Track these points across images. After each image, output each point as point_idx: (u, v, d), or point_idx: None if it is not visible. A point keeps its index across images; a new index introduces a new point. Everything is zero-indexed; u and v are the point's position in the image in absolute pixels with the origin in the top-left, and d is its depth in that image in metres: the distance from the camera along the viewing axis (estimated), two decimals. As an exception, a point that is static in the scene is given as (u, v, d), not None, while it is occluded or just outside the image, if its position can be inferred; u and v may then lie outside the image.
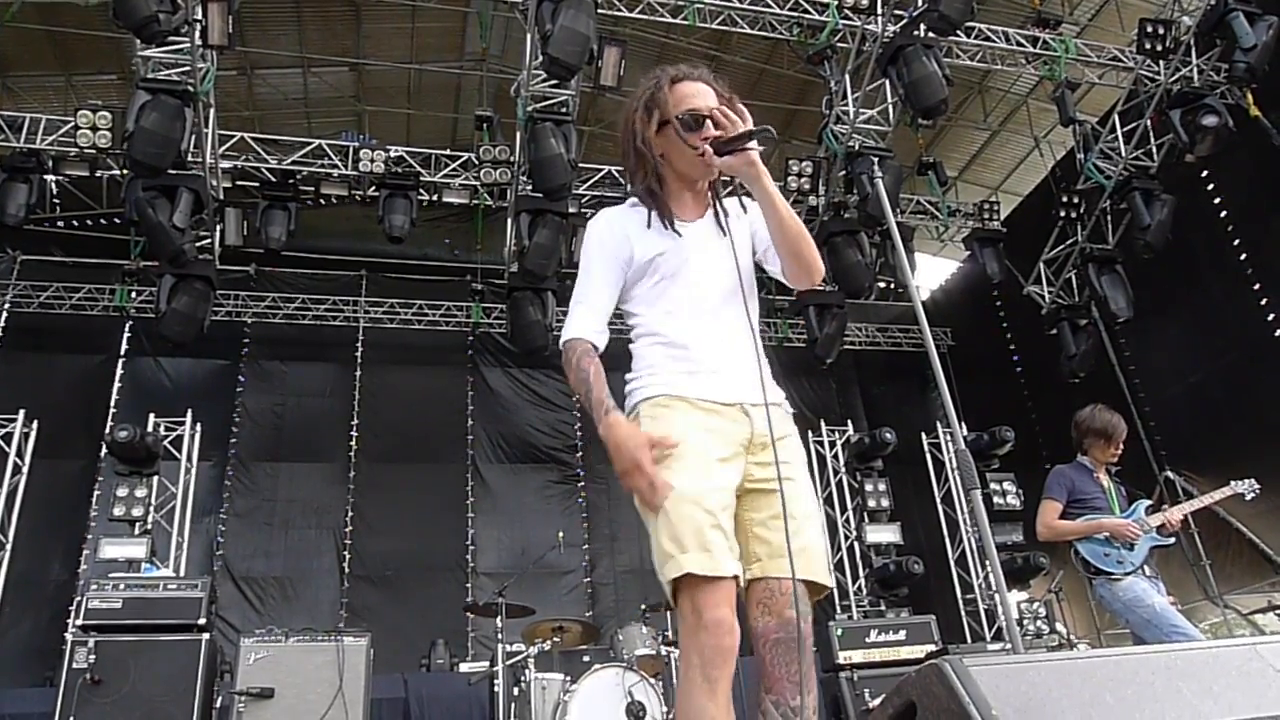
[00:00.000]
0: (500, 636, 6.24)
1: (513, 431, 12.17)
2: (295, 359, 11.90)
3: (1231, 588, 10.03)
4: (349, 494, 11.19)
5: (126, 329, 11.42)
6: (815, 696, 2.10)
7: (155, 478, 7.07)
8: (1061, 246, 11.04)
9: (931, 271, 14.20)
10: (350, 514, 11.10)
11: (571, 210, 9.43)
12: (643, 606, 6.93)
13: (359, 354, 12.02)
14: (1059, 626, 8.52)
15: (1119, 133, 10.02)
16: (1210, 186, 10.22)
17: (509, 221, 9.60)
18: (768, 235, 2.29)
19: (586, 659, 6.45)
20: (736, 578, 2.05)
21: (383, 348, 12.09)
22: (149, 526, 6.88)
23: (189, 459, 7.61)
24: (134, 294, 11.08)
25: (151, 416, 7.43)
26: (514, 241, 9.38)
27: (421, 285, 12.40)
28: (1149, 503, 4.45)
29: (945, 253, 13.23)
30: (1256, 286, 9.77)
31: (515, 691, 6.13)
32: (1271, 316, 9.67)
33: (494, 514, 11.59)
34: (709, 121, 2.20)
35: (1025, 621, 8.01)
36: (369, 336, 12.10)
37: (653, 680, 5.96)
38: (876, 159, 8.37)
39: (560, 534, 7.08)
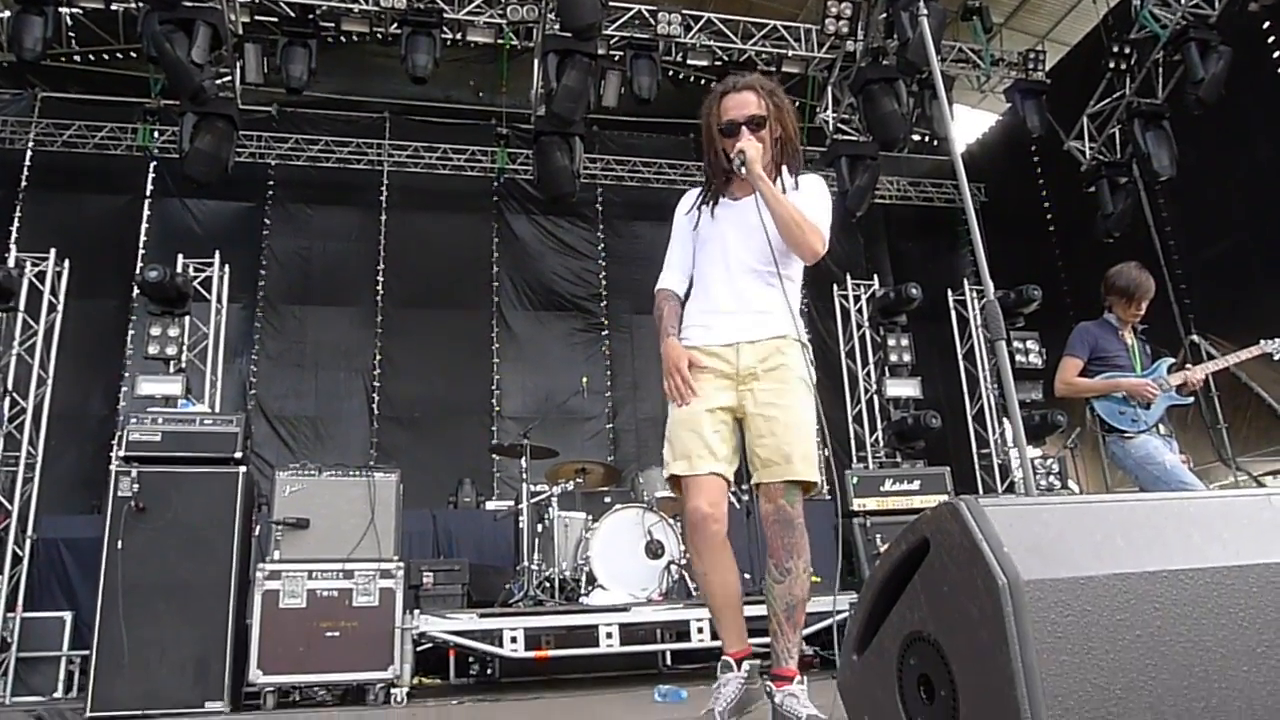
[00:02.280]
0: (525, 476, 6.48)
1: (537, 279, 12.20)
2: (320, 202, 11.85)
3: (1245, 451, 10.13)
4: (376, 338, 11.37)
5: (151, 169, 11.38)
6: (806, 560, 2.80)
7: (187, 318, 7.18)
8: (1107, 100, 10.60)
9: (969, 124, 13.71)
10: (378, 357, 11.31)
11: (600, 51, 9.11)
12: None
13: (384, 198, 11.95)
14: (1071, 484, 8.68)
15: (1181, -23, 9.42)
16: (1271, 40, 9.67)
17: (535, 63, 9.29)
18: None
19: (608, 500, 6.70)
20: (718, 474, 2.76)
21: (407, 192, 12.00)
22: (183, 365, 7.04)
23: (219, 300, 7.71)
24: (156, 133, 10.98)
25: (180, 258, 7.47)
26: (541, 84, 9.11)
27: (446, 129, 12.18)
28: (1172, 361, 4.42)
29: (984, 104, 12.73)
30: (1309, 149, 9.41)
31: (539, 529, 6.41)
32: (1320, 180, 9.36)
33: (518, 360, 11.77)
34: (743, 128, 2.85)
35: (1038, 477, 8.15)
36: (393, 180, 12.00)
37: (671, 521, 6.21)
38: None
39: (585, 379, 7.19)
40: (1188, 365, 4.43)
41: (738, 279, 2.88)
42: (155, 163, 11.31)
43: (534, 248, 12.30)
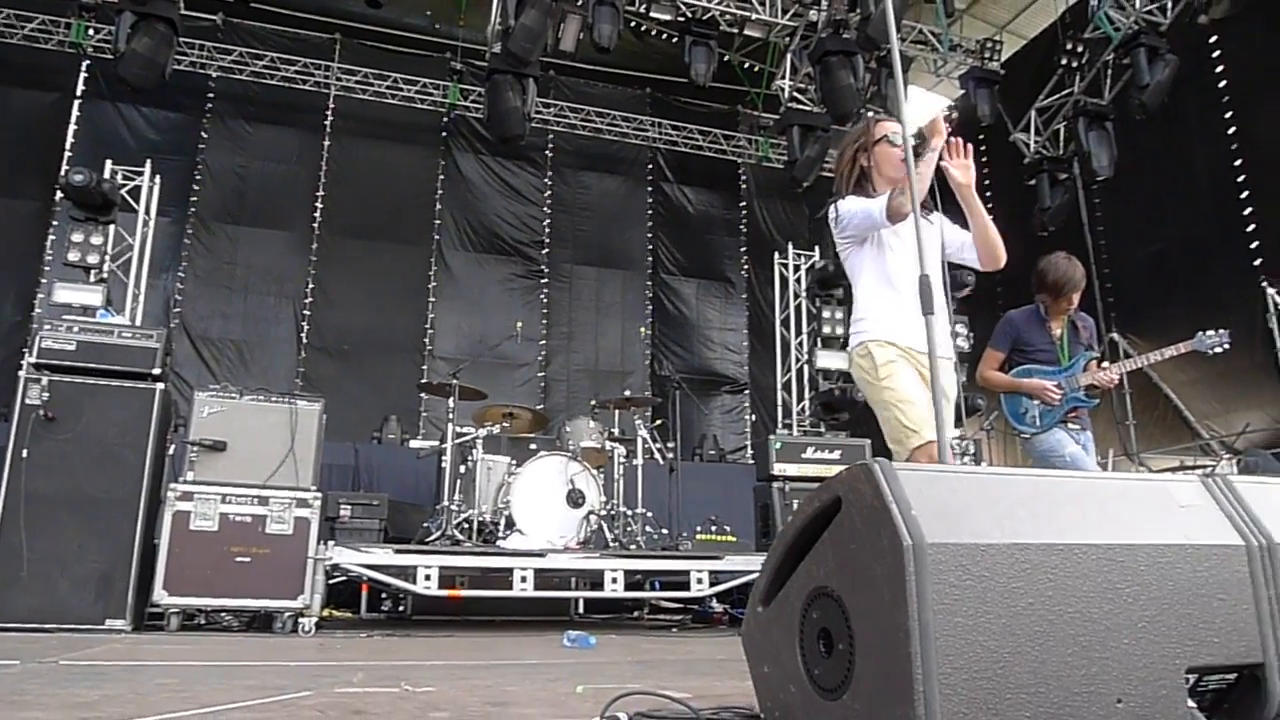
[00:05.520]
0: (452, 416, 6.44)
1: (480, 220, 12.03)
2: (262, 120, 11.46)
3: (1151, 447, 10.59)
4: (310, 265, 11.12)
5: (83, 68, 10.84)
6: None
7: (112, 227, 6.88)
8: (1056, 96, 10.81)
9: (923, 105, 13.84)
10: (310, 285, 11.07)
11: (562, -7, 8.93)
12: (592, 402, 7.14)
13: (328, 123, 11.62)
14: (985, 466, 8.97)
15: (1139, -19, 9.61)
16: (1216, 54, 9.93)
17: (495, -1, 9.08)
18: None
19: (534, 446, 6.72)
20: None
21: (354, 119, 11.68)
22: (105, 276, 6.77)
23: (147, 211, 7.42)
24: (91, 31, 10.44)
25: (109, 164, 7.15)
26: (499, 20, 8.91)
27: (398, 57, 11.85)
28: (1093, 356, 4.45)
29: (939, 88, 12.85)
30: (1238, 163, 9.73)
31: (462, 469, 6.40)
32: (1245, 195, 9.70)
33: (455, 300, 11.65)
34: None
35: (955, 458, 8.39)
36: (340, 106, 11.66)
37: (595, 471, 6.25)
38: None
39: (519, 324, 7.14)
40: (1104, 365, 4.46)
41: None
42: (88, 62, 10.78)
43: (480, 188, 12.11)
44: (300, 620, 5.03)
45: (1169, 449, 10.87)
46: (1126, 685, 1.50)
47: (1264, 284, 9.60)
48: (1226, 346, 4.42)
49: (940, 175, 3.06)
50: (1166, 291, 10.40)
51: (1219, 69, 9.96)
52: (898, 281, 3.06)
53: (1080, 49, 10.29)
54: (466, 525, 6.11)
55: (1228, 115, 9.78)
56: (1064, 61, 10.44)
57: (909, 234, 2.95)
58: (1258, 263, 9.66)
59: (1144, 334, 10.70)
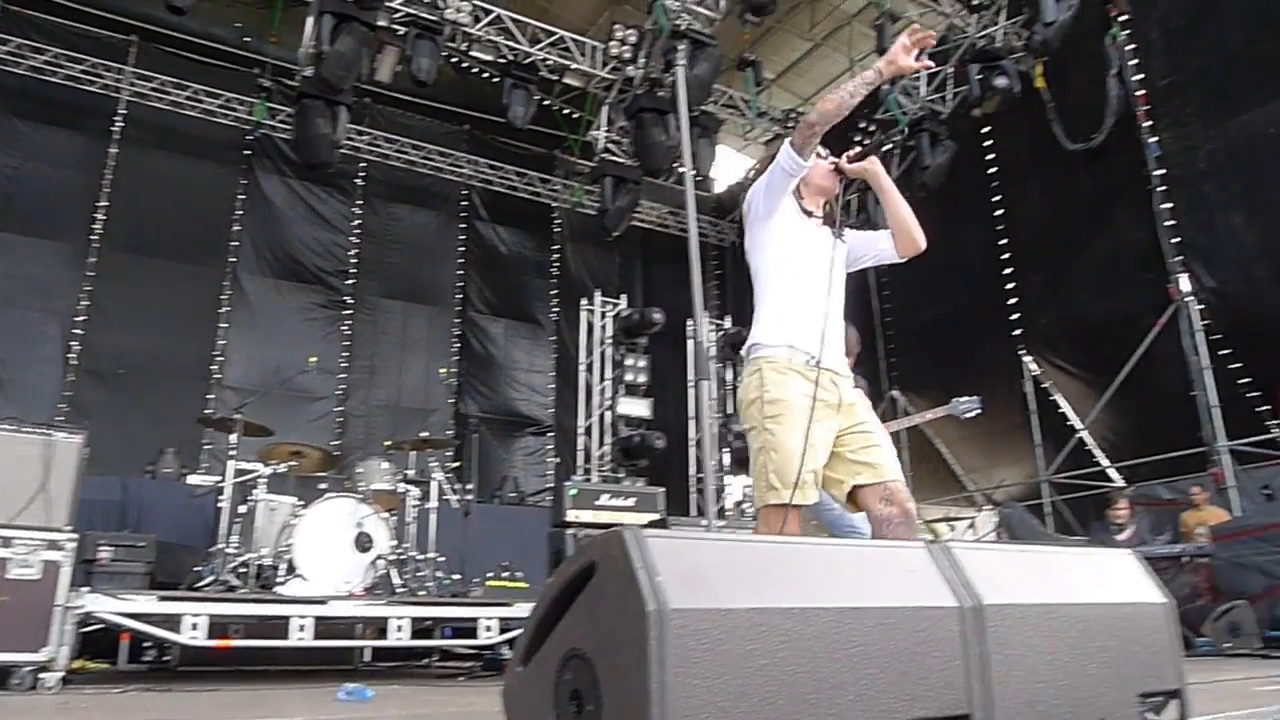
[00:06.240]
0: (234, 453, 6.09)
1: (282, 245, 11.53)
2: (39, 120, 10.50)
3: (926, 498, 11.44)
4: (85, 280, 10.24)
5: None
6: None
7: None
8: (850, 169, 11.64)
9: (733, 165, 14.55)
10: (85, 302, 10.20)
11: (381, 23, 8.80)
12: (387, 442, 6.95)
13: (117, 129, 10.82)
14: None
15: (923, 73, 10.56)
16: (988, 143, 11.07)
17: (310, 19, 8.79)
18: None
19: (323, 486, 6.44)
20: None
21: (147, 128, 10.94)
22: None
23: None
24: None
25: None
26: (312, 43, 8.64)
27: (202, 68, 11.24)
28: None
29: (749, 150, 13.57)
30: (1003, 242, 10.84)
31: (242, 509, 6.04)
32: (1009, 271, 10.80)
33: (249, 327, 11.06)
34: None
35: (744, 505, 8.76)
36: (133, 113, 10.90)
37: (386, 514, 6.06)
38: (693, 46, 8.36)
39: (313, 358, 6.87)
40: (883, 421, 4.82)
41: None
42: None
43: (283, 212, 11.61)
44: (42, 676, 4.55)
45: (940, 499, 11.81)
46: (851, 740, 1.62)
47: (1021, 353, 10.68)
48: (978, 412, 4.91)
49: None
50: (940, 355, 11.37)
51: (990, 156, 11.09)
52: (804, 287, 2.92)
53: (872, 128, 11.15)
54: (244, 569, 5.76)
55: (996, 199, 10.89)
56: (857, 139, 11.25)
57: (821, 246, 2.99)
58: (1017, 333, 10.75)
59: (920, 393, 11.62)
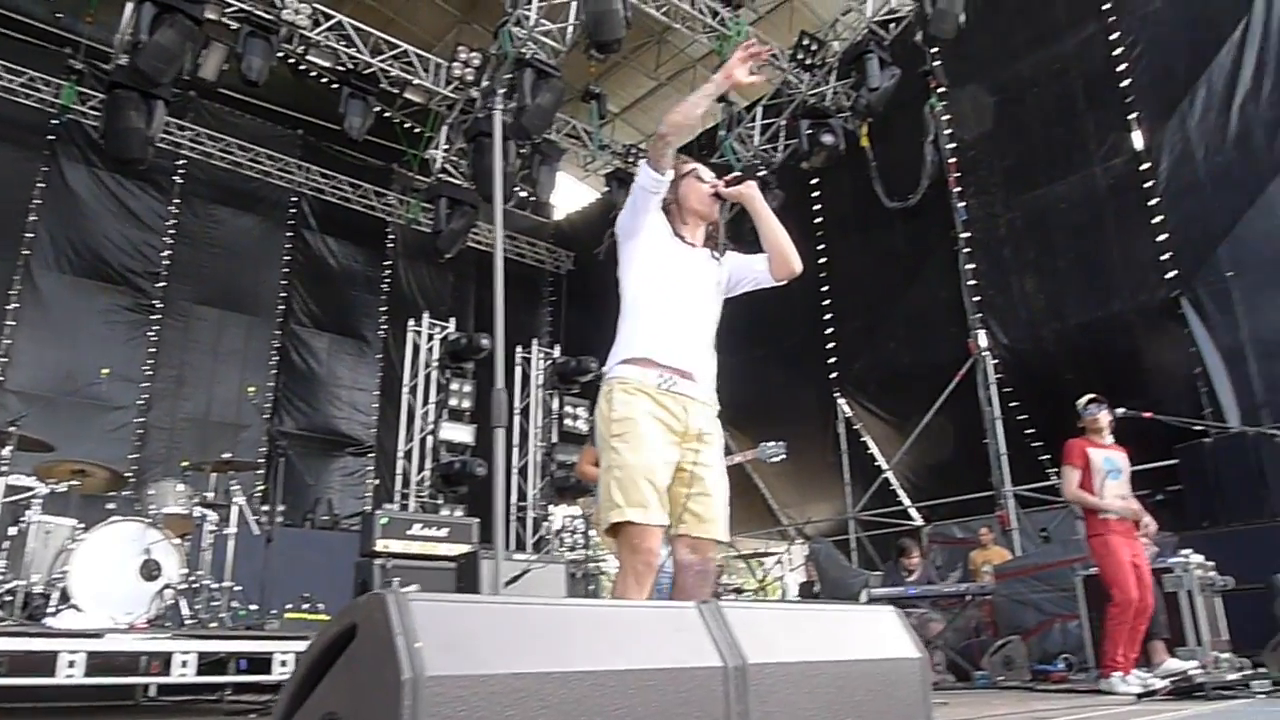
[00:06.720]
0: (5, 469, 5.56)
1: (86, 241, 10.70)
2: None
3: (742, 531, 11.81)
4: None
5: None
6: None
7: None
8: (688, 207, 11.97)
9: (574, 194, 14.67)
10: None
11: (211, 16, 8.37)
12: (184, 463, 6.53)
13: (-106, 100, 9.80)
14: (595, 539, 9.45)
15: (758, 123, 11.04)
16: (815, 194, 11.65)
17: (129, 3, 8.24)
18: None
19: (111, 507, 6.00)
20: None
21: (-69, 102, 9.97)
22: None
23: None
24: None
25: None
26: (130, 30, 8.11)
27: (4, 41, 10.33)
28: None
29: (590, 181, 13.72)
30: (824, 289, 11.40)
31: (12, 531, 5.52)
32: (829, 316, 11.37)
33: (41, 327, 10.17)
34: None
35: (565, 534, 8.75)
36: (-85, 83, 9.90)
37: (178, 540, 5.69)
38: (537, 75, 8.39)
39: (105, 371, 6.39)
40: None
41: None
42: None
43: (89, 205, 10.79)
44: None
45: (756, 532, 12.21)
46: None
47: (836, 395, 11.24)
48: (783, 457, 5.15)
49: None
50: (765, 394, 11.79)
51: (816, 207, 11.66)
52: (667, 309, 2.93)
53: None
54: (9, 598, 5.26)
55: (820, 248, 11.44)
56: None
57: (693, 268, 3.03)
58: (834, 376, 11.31)
59: (743, 430, 11.98)
